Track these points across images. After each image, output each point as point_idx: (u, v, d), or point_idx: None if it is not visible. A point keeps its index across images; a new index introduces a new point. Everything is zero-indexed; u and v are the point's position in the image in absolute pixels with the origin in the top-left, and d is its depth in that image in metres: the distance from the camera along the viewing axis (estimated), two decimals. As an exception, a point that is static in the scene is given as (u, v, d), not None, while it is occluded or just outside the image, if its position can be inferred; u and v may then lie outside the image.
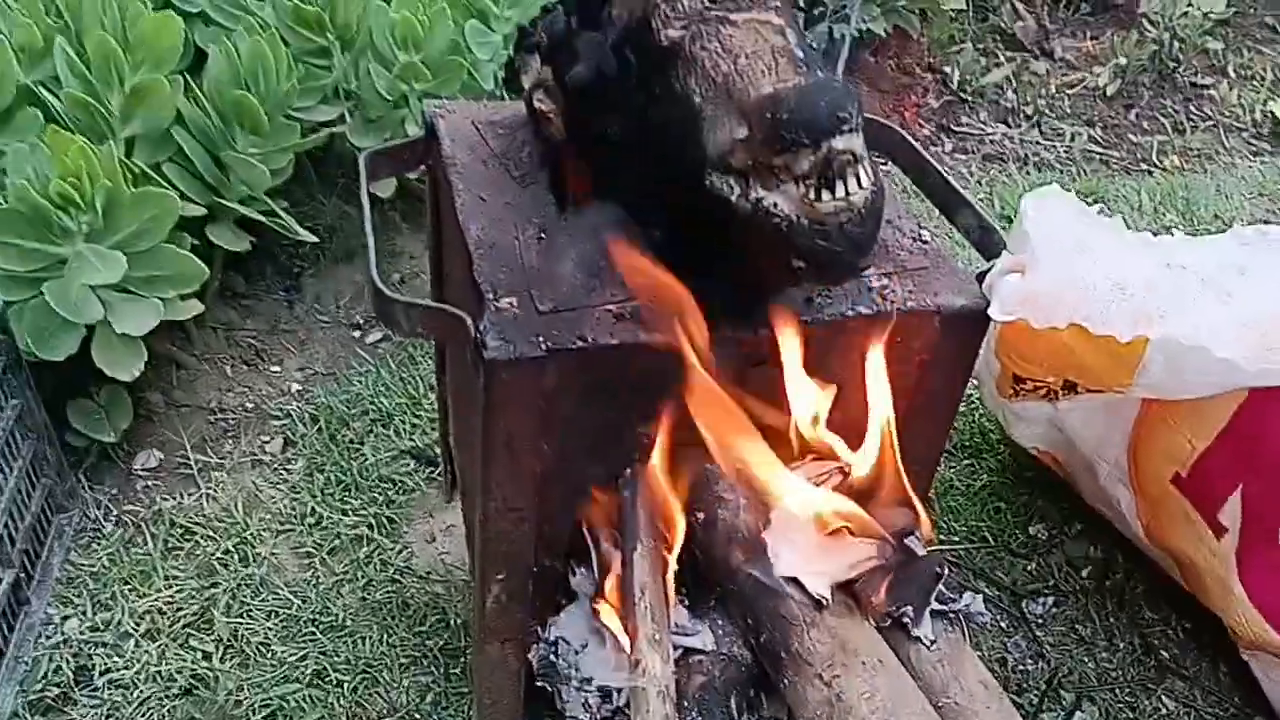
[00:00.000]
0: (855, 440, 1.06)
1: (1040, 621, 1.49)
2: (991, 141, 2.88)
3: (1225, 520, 1.28)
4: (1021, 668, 1.42)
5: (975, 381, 1.76)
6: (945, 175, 1.21)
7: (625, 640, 1.02)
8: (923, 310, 1.03)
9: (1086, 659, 1.44)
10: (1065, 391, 1.34)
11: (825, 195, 0.82)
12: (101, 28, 1.56)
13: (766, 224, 0.85)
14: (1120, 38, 3.27)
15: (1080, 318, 0.96)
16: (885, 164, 1.27)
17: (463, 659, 1.37)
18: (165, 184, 1.65)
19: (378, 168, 1.23)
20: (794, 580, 1.00)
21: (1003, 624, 1.49)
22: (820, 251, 0.84)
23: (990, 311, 0.99)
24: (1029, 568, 1.56)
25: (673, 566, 1.04)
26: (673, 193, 0.93)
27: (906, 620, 1.03)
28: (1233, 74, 3.24)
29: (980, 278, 1.06)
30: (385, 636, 1.40)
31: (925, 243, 1.12)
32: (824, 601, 0.99)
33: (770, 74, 0.85)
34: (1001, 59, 3.29)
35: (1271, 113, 2.98)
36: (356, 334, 2.01)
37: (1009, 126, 2.97)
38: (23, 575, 1.45)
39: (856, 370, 1.05)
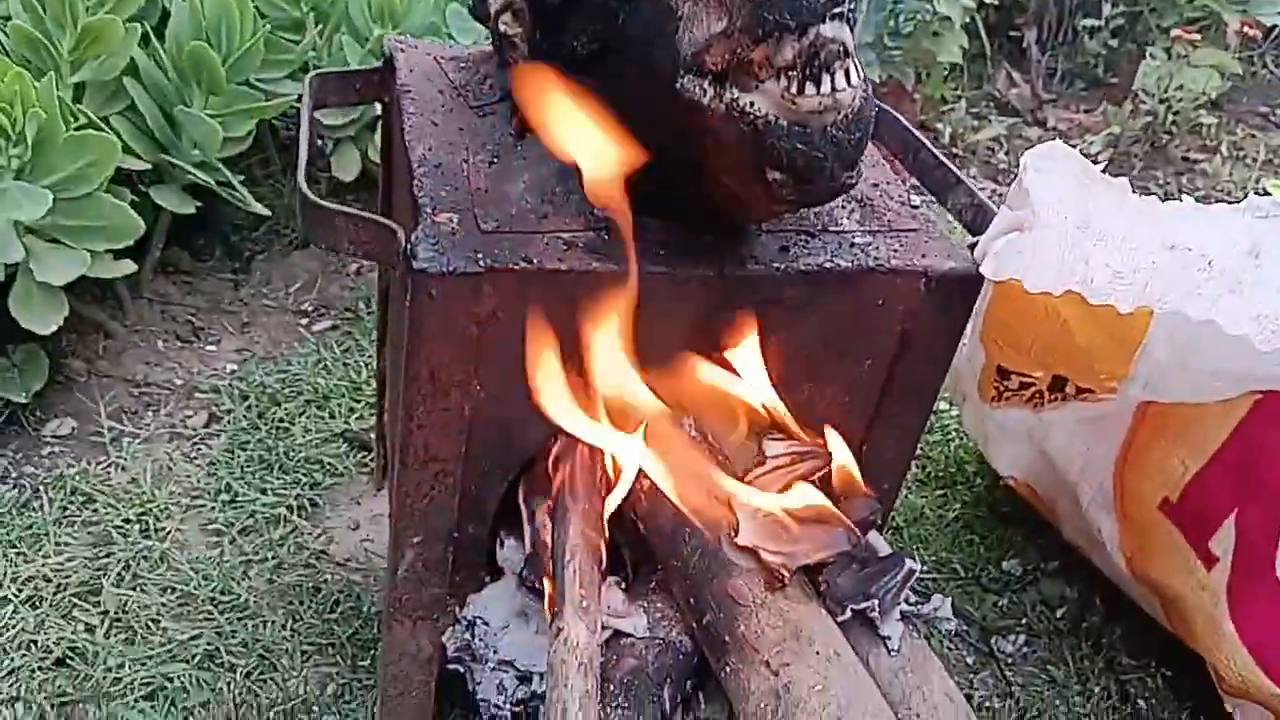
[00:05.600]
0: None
1: (1010, 660, 1.37)
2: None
3: (1217, 550, 1.17)
4: (989, 705, 1.30)
5: (952, 404, 1.66)
6: (936, 153, 1.12)
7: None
8: (908, 269, 0.93)
9: (1059, 702, 1.32)
10: (1052, 395, 1.24)
11: (809, 89, 0.73)
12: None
13: (740, 127, 0.76)
14: (1113, 110, 3.26)
15: (1077, 283, 0.87)
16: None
17: (373, 650, 1.23)
18: (115, 135, 1.55)
19: (326, 94, 1.13)
20: (752, 553, 0.88)
21: (969, 659, 1.36)
22: (800, 156, 0.74)
23: (983, 269, 0.90)
24: (1000, 604, 1.44)
25: (607, 522, 0.93)
26: (641, 103, 0.84)
27: (872, 615, 0.91)
28: (1225, 151, 3.22)
29: (973, 248, 0.97)
30: (290, 622, 1.26)
31: (915, 208, 1.03)
32: (783, 578, 0.87)
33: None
34: (994, 121, 3.27)
35: (1264, 189, 2.95)
36: (304, 321, 1.89)
37: (998, 184, 2.93)
38: (-102, 531, 1.31)
39: (831, 333, 0.95)
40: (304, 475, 1.48)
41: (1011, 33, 3.57)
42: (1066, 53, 3.64)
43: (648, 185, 0.83)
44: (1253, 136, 3.38)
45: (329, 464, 1.50)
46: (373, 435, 1.51)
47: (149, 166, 1.62)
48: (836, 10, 0.71)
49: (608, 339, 0.85)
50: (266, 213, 1.81)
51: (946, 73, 3.15)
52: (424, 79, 1.10)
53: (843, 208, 0.99)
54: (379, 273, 1.34)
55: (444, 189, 0.92)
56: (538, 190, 0.93)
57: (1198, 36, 3.01)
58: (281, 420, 1.58)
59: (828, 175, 0.76)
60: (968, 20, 2.98)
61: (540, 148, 0.95)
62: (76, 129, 1.46)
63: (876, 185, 1.05)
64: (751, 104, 0.75)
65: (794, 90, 0.73)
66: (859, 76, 0.74)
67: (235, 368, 1.74)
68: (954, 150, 2.99)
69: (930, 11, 2.80)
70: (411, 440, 0.91)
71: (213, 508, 1.42)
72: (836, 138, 0.74)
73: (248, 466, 1.48)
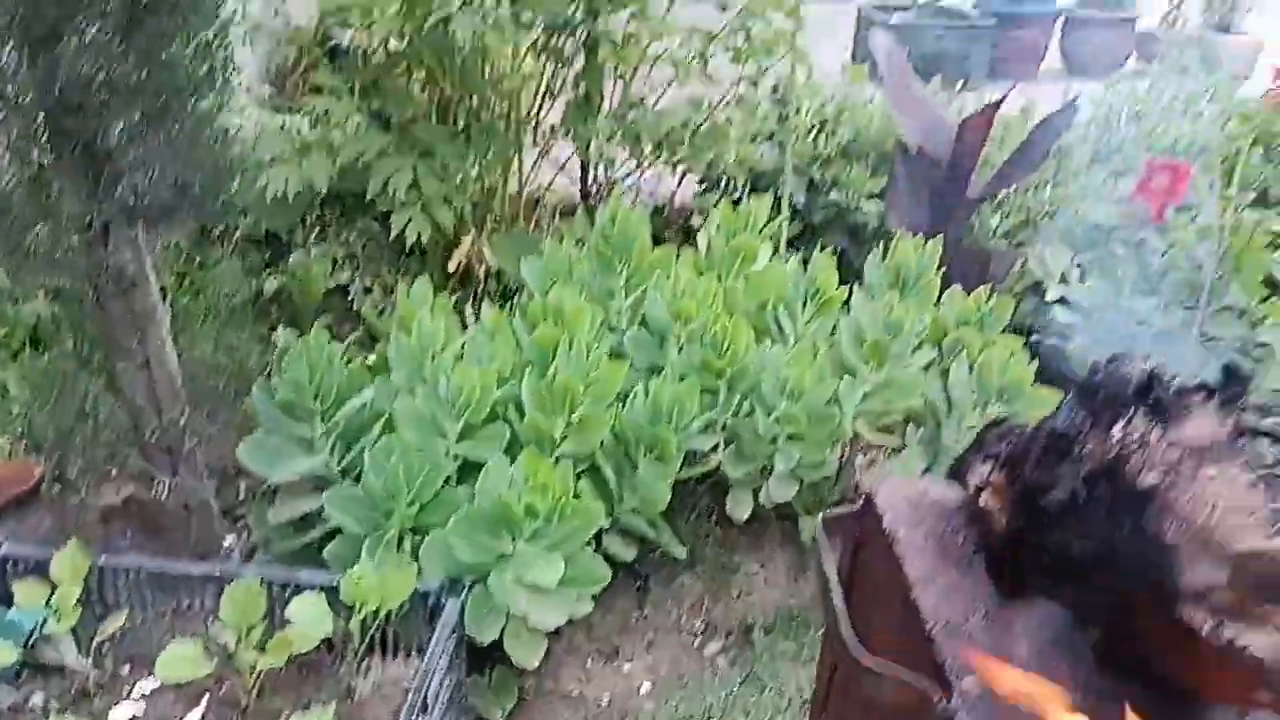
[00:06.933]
0: None
1: None
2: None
3: None
4: None
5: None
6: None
7: None
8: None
9: None
10: None
11: (1306, 647, 0.95)
12: (566, 368, 1.91)
13: (1240, 658, 0.98)
14: None
15: None
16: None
17: None
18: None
19: (831, 532, 1.44)
20: None
21: None
22: (1291, 693, 0.96)
23: None
24: None
25: None
26: (1132, 612, 1.08)
27: None
28: None
29: None
30: None
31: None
32: None
33: (1246, 530, 1.01)
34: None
35: None
36: (695, 641, 2.19)
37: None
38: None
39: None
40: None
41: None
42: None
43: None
44: None
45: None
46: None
47: (610, 522, 1.99)
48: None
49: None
50: (684, 555, 2.15)
51: None
52: (906, 524, 1.39)
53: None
54: (820, 658, 1.60)
55: (954, 650, 1.18)
56: (1037, 657, 1.18)
57: None
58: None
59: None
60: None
61: (1029, 612, 1.20)
62: (576, 502, 1.85)
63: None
64: (1249, 643, 0.98)
65: (1295, 645, 0.95)
66: (1350, 637, 0.96)
67: (648, 687, 2.04)
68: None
69: (1252, 341, 2.93)
70: None
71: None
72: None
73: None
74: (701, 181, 3.68)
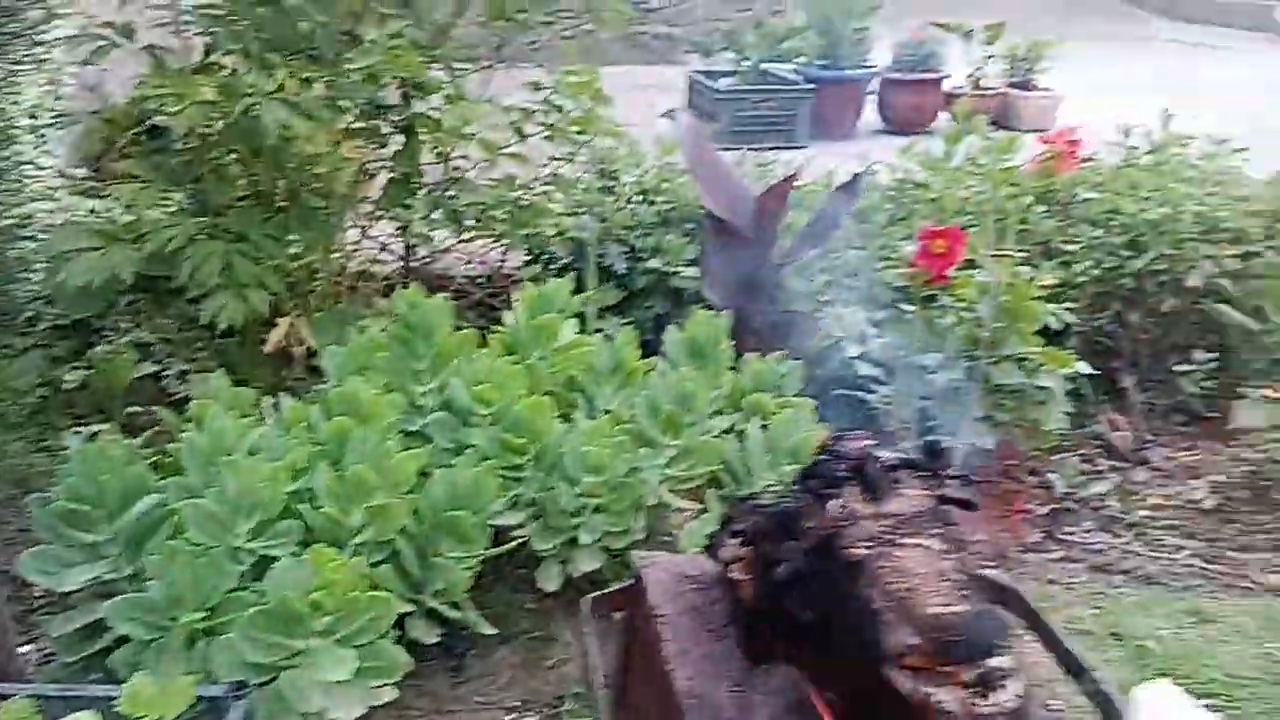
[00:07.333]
0: None
1: None
2: (1097, 551, 3.08)
3: None
4: None
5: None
6: (1066, 644, 1.42)
7: None
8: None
9: None
10: None
11: (981, 701, 1.05)
12: (359, 459, 1.93)
13: (934, 715, 1.08)
14: (1212, 451, 3.51)
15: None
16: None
17: None
18: (380, 584, 1.95)
19: (598, 608, 1.50)
20: None
21: None
22: (980, 745, 1.06)
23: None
24: None
25: None
26: (853, 673, 1.17)
27: None
28: (1330, 494, 3.41)
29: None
30: None
31: (1058, 713, 1.32)
32: None
33: (937, 597, 1.11)
34: (1103, 467, 3.54)
35: (1369, 537, 3.12)
36: (509, 717, 2.21)
37: (1113, 536, 3.17)
38: None
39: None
40: None
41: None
42: (1165, 390, 3.91)
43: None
44: (1366, 473, 3.56)
45: None
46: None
47: (412, 609, 2.01)
48: (1001, 651, 1.05)
49: None
50: (493, 631, 2.18)
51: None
52: (667, 599, 1.46)
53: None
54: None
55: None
56: (774, 722, 1.25)
57: (1287, 391, 3.28)
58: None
59: (1001, 755, 1.07)
60: (1070, 386, 3.31)
61: (771, 681, 1.28)
62: (366, 593, 1.87)
63: (1020, 695, 1.35)
64: (943, 700, 1.07)
65: (972, 700, 1.05)
66: (1019, 688, 1.06)
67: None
68: (1068, 506, 3.27)
69: (1033, 386, 3.15)
70: None
71: None
72: (1007, 732, 1.06)
73: None
74: (527, 253, 3.75)
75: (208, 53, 2.99)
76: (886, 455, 1.25)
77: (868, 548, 1.18)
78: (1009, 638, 1.05)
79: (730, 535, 1.40)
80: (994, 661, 1.04)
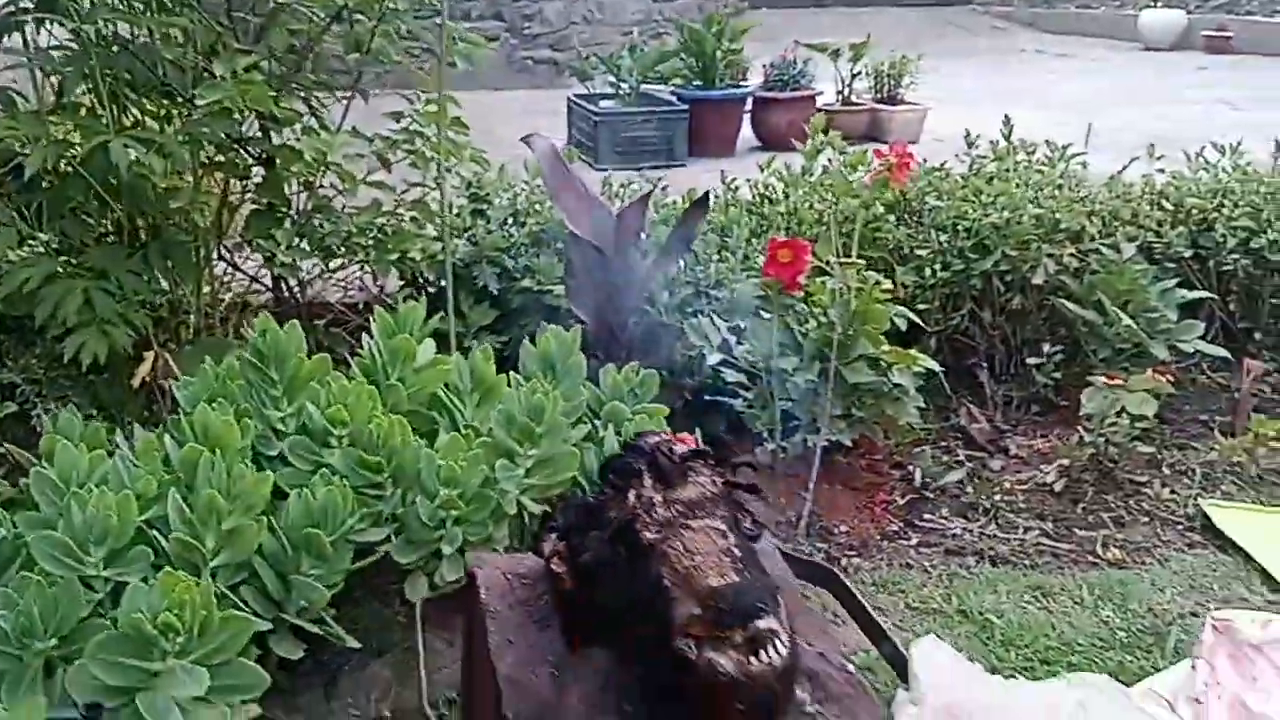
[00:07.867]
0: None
1: None
2: (953, 536, 3.25)
3: None
4: None
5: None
6: (869, 611, 1.55)
7: None
8: (848, 734, 1.33)
9: None
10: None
11: (753, 659, 1.16)
12: (209, 484, 1.98)
13: (716, 677, 1.18)
14: (1064, 438, 3.73)
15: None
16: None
17: None
18: (242, 603, 2.00)
19: (431, 610, 1.57)
20: None
21: None
22: (752, 698, 1.17)
23: (892, 735, 1.30)
24: None
25: None
26: (653, 648, 1.27)
27: None
28: (1166, 470, 3.65)
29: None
30: None
31: (849, 673, 1.44)
32: None
33: (716, 571, 1.23)
34: (961, 456, 3.74)
35: (1201, 509, 3.36)
36: (387, 731, 2.27)
37: (968, 521, 3.35)
38: None
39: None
40: None
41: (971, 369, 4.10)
42: (1020, 382, 4.14)
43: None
44: (1194, 449, 3.82)
45: None
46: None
47: (271, 628, 2.06)
48: (767, 613, 1.16)
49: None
50: (357, 645, 2.24)
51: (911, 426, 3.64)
52: (498, 596, 1.55)
53: (799, 684, 1.40)
54: None
55: (523, 703, 1.34)
56: (587, 699, 1.35)
57: (1122, 381, 3.51)
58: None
59: (769, 708, 1.18)
60: (921, 383, 3.49)
61: (585, 663, 1.38)
62: (222, 611, 1.91)
63: (822, 654, 1.47)
64: (721, 663, 1.18)
65: (745, 660, 1.16)
66: (785, 647, 1.18)
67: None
68: (926, 492, 3.44)
69: (888, 383, 3.32)
70: None
71: None
72: (774, 686, 1.17)
73: None
74: (401, 278, 3.81)
75: (60, 94, 3.00)
76: (679, 448, 1.36)
77: (658, 532, 1.29)
78: (774, 602, 1.16)
79: (549, 531, 1.50)
80: (762, 623, 1.15)
